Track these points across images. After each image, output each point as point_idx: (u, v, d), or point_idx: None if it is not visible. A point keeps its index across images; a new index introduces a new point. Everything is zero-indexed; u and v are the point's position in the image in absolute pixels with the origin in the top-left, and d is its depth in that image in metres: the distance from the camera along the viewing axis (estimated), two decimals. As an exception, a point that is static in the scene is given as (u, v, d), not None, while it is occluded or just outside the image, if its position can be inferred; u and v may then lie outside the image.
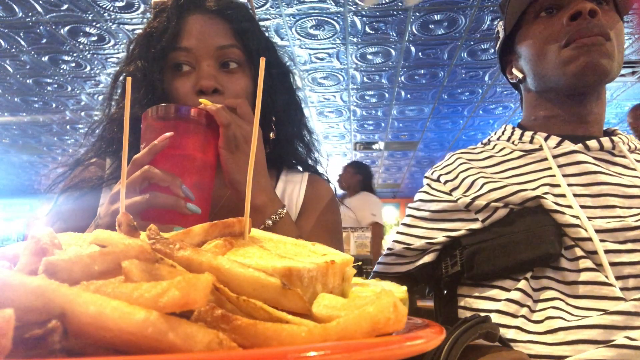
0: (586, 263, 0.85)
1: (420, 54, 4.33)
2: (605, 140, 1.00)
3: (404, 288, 0.49)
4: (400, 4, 3.55)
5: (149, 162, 0.75)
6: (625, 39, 1.11)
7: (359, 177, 4.53)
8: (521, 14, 1.08)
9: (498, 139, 1.13)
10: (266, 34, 1.08)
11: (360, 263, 0.48)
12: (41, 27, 3.82)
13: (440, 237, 1.02)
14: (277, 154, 1.14)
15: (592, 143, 0.99)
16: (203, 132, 0.81)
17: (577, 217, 0.89)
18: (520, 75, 1.12)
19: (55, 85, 4.94)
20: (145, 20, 3.69)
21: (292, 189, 1.13)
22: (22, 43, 4.08)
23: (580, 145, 0.99)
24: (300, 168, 1.18)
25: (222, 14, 0.98)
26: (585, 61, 0.97)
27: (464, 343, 0.63)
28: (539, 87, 1.08)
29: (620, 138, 1.02)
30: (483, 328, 0.66)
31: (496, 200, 0.95)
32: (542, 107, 1.10)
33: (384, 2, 3.55)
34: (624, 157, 0.99)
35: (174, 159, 0.77)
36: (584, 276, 0.85)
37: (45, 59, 4.36)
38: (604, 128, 1.12)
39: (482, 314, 0.93)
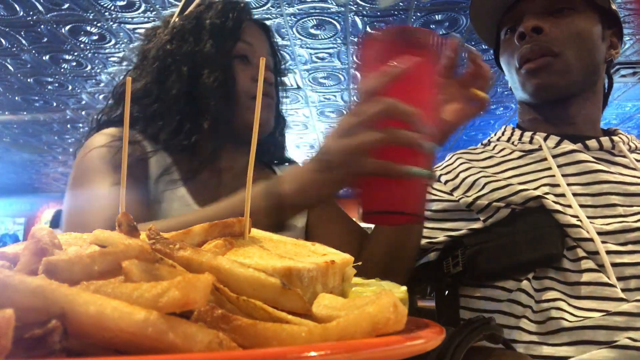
0: (588, 264, 0.85)
1: (421, 53, 4.33)
2: (605, 140, 1.00)
3: (404, 288, 0.49)
4: (401, 4, 3.55)
5: (381, 90, 0.65)
6: (625, 39, 1.10)
7: None
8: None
9: (498, 139, 1.14)
10: None
11: (360, 263, 0.48)
12: (42, 26, 3.82)
13: (441, 236, 1.02)
14: (266, 150, 1.19)
15: (592, 143, 0.99)
16: (435, 64, 0.71)
17: (577, 218, 0.89)
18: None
19: (56, 84, 4.94)
20: (146, 19, 3.69)
21: None
22: (23, 42, 4.08)
23: (579, 144, 0.99)
24: (285, 163, 1.25)
25: (265, 28, 1.12)
26: (535, 83, 1.01)
27: (468, 344, 0.63)
28: (516, 97, 1.14)
29: (620, 138, 1.02)
30: (487, 329, 0.66)
31: (498, 200, 0.95)
32: (526, 112, 1.13)
33: (394, 2, 3.54)
34: (623, 156, 0.99)
35: (409, 90, 0.67)
36: (585, 277, 0.85)
37: (46, 57, 4.36)
38: (606, 128, 1.12)
39: (484, 315, 0.93)
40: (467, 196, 1.00)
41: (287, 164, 1.25)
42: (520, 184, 0.97)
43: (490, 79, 0.81)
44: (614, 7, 1.06)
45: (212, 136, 1.01)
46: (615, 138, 1.01)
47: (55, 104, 5.49)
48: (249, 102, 1.03)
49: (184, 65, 1.00)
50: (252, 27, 1.08)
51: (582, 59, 1.00)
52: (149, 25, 3.75)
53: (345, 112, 0.71)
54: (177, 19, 1.05)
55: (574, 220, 0.88)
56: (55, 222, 6.51)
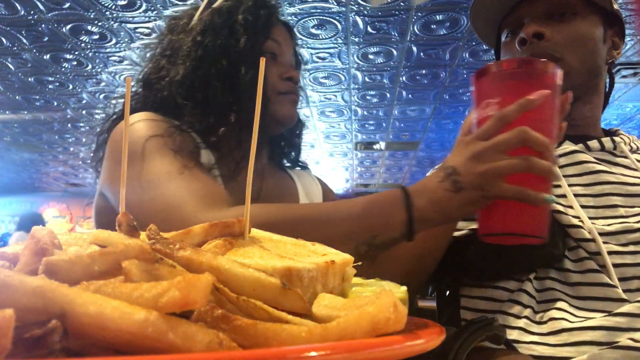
0: (589, 264, 0.85)
1: (421, 54, 4.32)
2: (607, 141, 1.00)
3: (404, 288, 0.49)
4: (402, 4, 3.54)
5: (515, 120, 0.71)
6: (625, 40, 1.09)
7: None
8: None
9: (499, 139, 1.13)
10: None
11: (360, 263, 0.48)
12: (43, 25, 3.82)
13: (442, 237, 1.02)
14: (282, 151, 1.21)
15: (593, 143, 0.99)
16: (557, 96, 0.75)
17: (579, 218, 0.89)
18: None
19: (57, 84, 4.94)
20: (147, 18, 3.69)
21: (310, 186, 1.19)
22: (24, 41, 4.08)
23: (581, 145, 0.99)
24: (298, 166, 1.26)
25: (289, 28, 1.15)
26: None
27: (470, 345, 0.62)
28: None
29: (622, 138, 1.02)
30: (490, 330, 0.66)
31: None
32: None
33: (386, 1, 3.54)
34: (625, 157, 0.99)
35: (537, 120, 0.72)
36: (587, 277, 0.84)
37: (46, 57, 4.36)
38: (607, 128, 1.12)
39: (487, 316, 0.93)
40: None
41: (299, 167, 1.25)
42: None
43: (567, 108, 0.80)
44: (616, 6, 1.05)
45: (247, 133, 1.00)
46: (617, 139, 1.01)
47: (55, 103, 5.49)
48: (277, 97, 1.05)
49: (223, 59, 1.00)
50: (279, 26, 1.10)
51: (583, 63, 0.99)
52: (150, 25, 3.77)
53: (470, 136, 0.75)
54: (205, 13, 1.04)
55: (575, 221, 0.88)
56: (25, 227, 6.33)
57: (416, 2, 3.51)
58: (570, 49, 0.98)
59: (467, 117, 0.92)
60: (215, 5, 1.05)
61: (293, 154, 1.23)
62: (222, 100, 0.98)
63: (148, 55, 1.11)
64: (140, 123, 0.92)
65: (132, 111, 0.98)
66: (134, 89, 1.07)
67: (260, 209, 0.76)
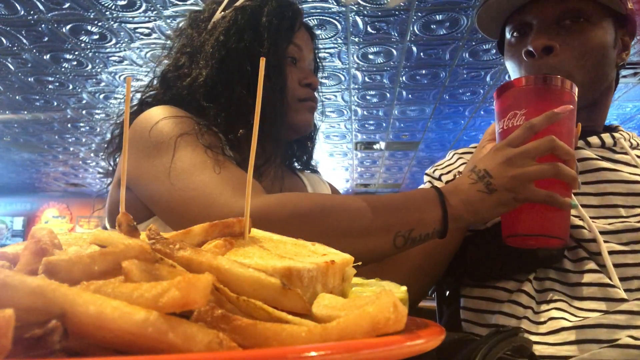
0: (589, 264, 0.85)
1: (421, 54, 4.33)
2: (607, 137, 0.98)
3: (404, 288, 0.49)
4: (402, 4, 3.54)
5: (543, 129, 0.77)
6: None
7: None
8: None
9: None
10: None
11: (360, 263, 0.48)
12: (43, 25, 3.82)
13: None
14: (293, 153, 1.20)
15: (593, 139, 0.98)
16: (575, 111, 0.82)
17: (579, 218, 0.89)
18: None
19: (57, 84, 4.95)
20: (147, 18, 3.69)
21: (320, 189, 1.19)
22: (24, 41, 4.08)
23: (581, 141, 0.98)
24: (308, 169, 1.25)
25: (311, 33, 1.15)
26: None
27: (495, 357, 0.60)
28: None
29: (621, 134, 1.01)
30: (516, 341, 0.64)
31: None
32: None
33: (385, 1, 3.54)
34: (625, 153, 0.98)
35: (560, 131, 0.78)
36: (587, 277, 0.84)
37: (46, 57, 4.36)
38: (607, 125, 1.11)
39: (486, 315, 0.93)
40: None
41: (308, 171, 1.24)
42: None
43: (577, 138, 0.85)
44: (630, 6, 1.00)
45: (267, 139, 0.98)
46: (617, 135, 0.99)
47: (55, 103, 5.49)
48: (296, 104, 1.03)
49: (246, 64, 0.97)
50: (302, 31, 1.09)
51: (590, 76, 0.96)
52: (150, 25, 3.76)
53: (500, 142, 0.81)
54: (228, 11, 1.01)
55: (576, 221, 0.88)
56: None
57: (392, 3, 3.50)
58: (578, 64, 0.95)
59: (491, 126, 0.95)
60: (238, 4, 1.02)
61: (305, 157, 1.21)
62: (244, 104, 0.96)
63: (165, 48, 1.08)
64: (168, 119, 0.90)
65: (148, 105, 0.97)
66: (155, 83, 1.04)
67: (302, 197, 0.79)
